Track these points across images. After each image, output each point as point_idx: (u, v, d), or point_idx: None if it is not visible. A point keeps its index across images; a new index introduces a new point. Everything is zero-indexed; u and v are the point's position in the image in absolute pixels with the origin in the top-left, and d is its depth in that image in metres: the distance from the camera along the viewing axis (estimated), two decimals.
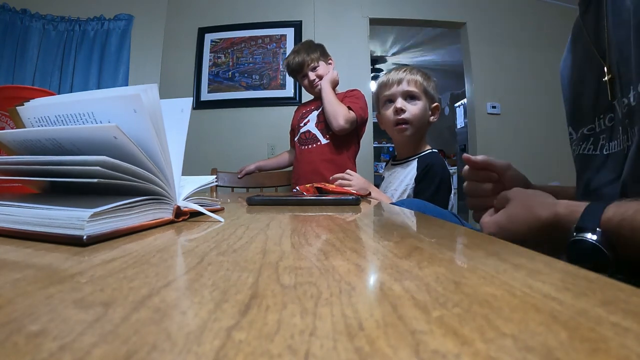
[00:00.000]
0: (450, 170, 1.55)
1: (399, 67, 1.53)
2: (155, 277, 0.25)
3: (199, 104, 3.61)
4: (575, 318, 0.17)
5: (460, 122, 5.79)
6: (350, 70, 3.31)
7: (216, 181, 0.72)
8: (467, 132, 4.06)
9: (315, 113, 2.18)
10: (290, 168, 2.44)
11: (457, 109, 5.96)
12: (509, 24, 3.72)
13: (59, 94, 3.38)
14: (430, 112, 1.51)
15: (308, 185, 1.21)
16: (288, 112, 3.25)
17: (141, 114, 0.46)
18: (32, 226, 0.39)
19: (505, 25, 3.72)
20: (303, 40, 3.35)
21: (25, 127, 0.57)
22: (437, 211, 1.04)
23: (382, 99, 1.54)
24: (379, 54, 5.92)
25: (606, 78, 0.70)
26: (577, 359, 0.13)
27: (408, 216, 0.70)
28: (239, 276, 0.25)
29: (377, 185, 1.56)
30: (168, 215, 0.53)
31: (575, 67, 0.82)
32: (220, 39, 3.64)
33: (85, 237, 0.35)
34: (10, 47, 3.51)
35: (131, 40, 3.62)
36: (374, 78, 5.22)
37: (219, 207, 0.71)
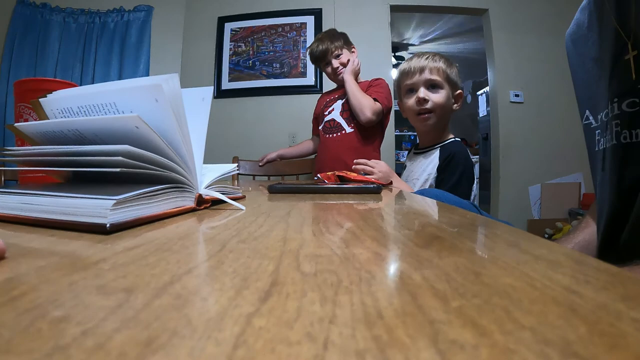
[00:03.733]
0: (473, 159, 1.52)
1: (421, 54, 1.49)
2: (176, 264, 0.25)
3: (220, 93, 3.62)
4: (595, 312, 0.17)
5: (482, 110, 5.71)
6: (371, 58, 3.28)
7: (238, 169, 0.72)
8: (489, 120, 4.01)
9: (340, 102, 2.18)
10: (312, 156, 2.44)
11: (480, 97, 5.88)
12: (532, 11, 3.63)
13: (80, 86, 3.43)
14: (453, 100, 1.48)
15: (330, 173, 1.20)
16: (309, 101, 3.25)
17: (162, 103, 0.46)
18: (56, 215, 0.39)
19: (528, 11, 3.63)
20: (323, 28, 3.35)
21: (48, 119, 0.58)
22: (458, 201, 1.02)
23: (404, 88, 1.51)
24: (400, 41, 5.85)
25: (630, 55, 0.64)
26: (595, 353, 0.13)
27: (429, 205, 0.69)
28: (259, 264, 0.25)
29: (399, 174, 1.54)
30: (190, 203, 0.53)
31: (593, 44, 0.75)
32: (240, 28, 3.63)
33: (108, 225, 0.36)
34: (32, 41, 3.57)
35: (151, 31, 3.64)
36: (395, 66, 5.17)
37: (240, 195, 0.71)
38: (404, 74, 1.50)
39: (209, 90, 0.62)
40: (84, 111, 0.53)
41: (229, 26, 3.65)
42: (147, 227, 0.40)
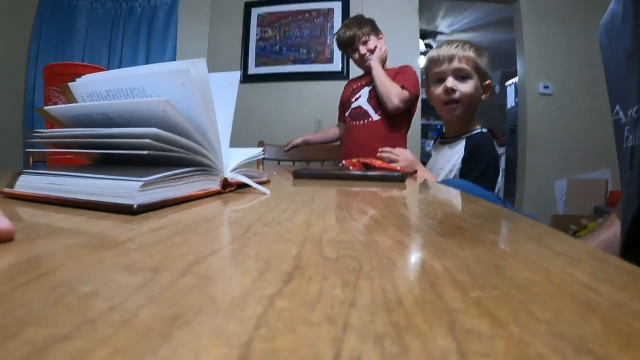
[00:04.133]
0: (499, 151, 1.50)
1: (451, 41, 1.46)
2: (201, 245, 0.25)
3: (247, 78, 3.63)
4: (612, 310, 0.17)
5: (510, 101, 5.60)
6: (398, 45, 3.22)
7: (263, 153, 0.73)
8: (517, 112, 3.93)
9: (367, 89, 2.16)
10: (338, 143, 2.43)
11: (508, 87, 5.77)
12: (564, 1, 3.54)
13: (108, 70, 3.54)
14: (481, 90, 1.45)
15: (354, 159, 1.20)
16: (335, 87, 3.23)
17: (190, 87, 0.47)
18: (84, 195, 0.40)
19: (560, 2, 3.53)
20: (351, 14, 3.32)
21: (76, 102, 0.59)
22: (482, 193, 1.01)
23: (432, 76, 1.48)
24: (428, 28, 5.77)
25: None
26: (610, 351, 0.13)
27: (452, 196, 0.69)
28: (282, 247, 0.25)
29: (424, 163, 1.53)
30: (215, 186, 0.54)
31: (627, 37, 0.73)
32: (267, 13, 3.63)
33: (135, 206, 0.36)
34: (59, 26, 3.64)
35: (178, 15, 3.66)
36: (423, 53, 5.10)
37: (265, 179, 0.71)
38: (432, 62, 1.47)
39: (236, 75, 0.63)
40: (112, 95, 0.54)
41: (255, 11, 3.65)
42: (173, 209, 0.41)
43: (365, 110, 2.12)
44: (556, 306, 0.17)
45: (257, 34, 3.63)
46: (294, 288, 0.18)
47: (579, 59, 3.44)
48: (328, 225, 0.33)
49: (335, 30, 3.32)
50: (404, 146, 2.09)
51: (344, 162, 1.22)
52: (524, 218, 0.41)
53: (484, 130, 1.45)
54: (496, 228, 0.37)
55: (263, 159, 2.46)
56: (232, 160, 0.62)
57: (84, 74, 0.60)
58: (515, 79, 4.66)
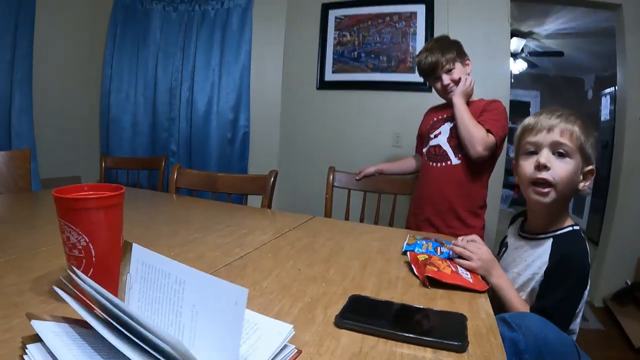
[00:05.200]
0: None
1: (553, 110, 1.26)
2: None
3: (323, 84, 3.64)
4: None
5: (605, 113, 5.18)
6: (487, 53, 3.05)
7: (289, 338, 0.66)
8: (613, 127, 3.60)
9: (449, 125, 2.04)
10: (413, 176, 2.33)
11: (603, 98, 5.35)
12: None
13: (181, 74, 3.98)
14: (581, 177, 1.24)
15: (421, 258, 1.11)
16: (417, 99, 3.16)
17: (240, 308, 0.50)
18: None
19: None
20: (435, 18, 3.18)
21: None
22: (559, 341, 0.94)
23: (524, 147, 1.29)
24: (519, 28, 5.41)
25: None
26: None
27: None
28: None
29: (497, 256, 1.38)
30: None
31: None
32: (345, 16, 3.56)
33: None
34: (133, 30, 3.81)
35: (253, 18, 3.69)
36: (513, 56, 4.78)
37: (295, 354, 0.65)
38: (526, 130, 1.28)
39: (244, 293, 0.54)
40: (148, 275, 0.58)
41: (333, 14, 3.60)
42: None
43: (444, 151, 2.03)
44: None
45: (334, 38, 3.61)
46: None
47: None
48: None
49: (419, 36, 3.23)
50: (485, 195, 2.00)
51: (408, 253, 1.14)
52: None
53: (576, 228, 1.25)
54: None
55: (333, 186, 2.40)
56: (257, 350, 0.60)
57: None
58: (612, 88, 4.27)
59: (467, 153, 1.90)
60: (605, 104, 5.18)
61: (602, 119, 5.27)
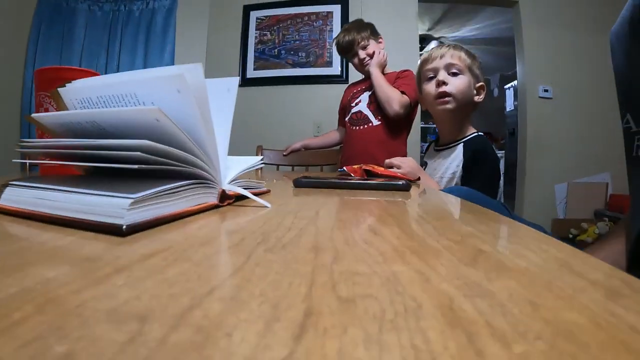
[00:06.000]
0: (498, 155, 1.46)
1: (442, 43, 1.47)
2: (197, 280, 0.22)
3: (245, 81, 3.63)
4: None
5: (509, 104, 5.61)
6: (398, 49, 3.20)
7: (262, 163, 0.70)
8: (516, 115, 3.95)
9: (367, 94, 2.16)
10: (338, 147, 2.41)
11: (507, 91, 5.78)
12: (563, 3, 3.55)
13: (105, 74, 3.50)
14: (475, 92, 1.42)
15: (356, 166, 1.17)
16: (335, 91, 3.22)
17: (185, 94, 0.44)
18: (72, 212, 0.37)
19: (559, 4, 3.55)
20: (350, 17, 3.31)
21: (67, 109, 0.56)
22: (488, 202, 0.99)
23: (424, 75, 1.47)
24: (426, 32, 5.76)
25: None
26: None
27: (463, 208, 0.66)
28: (289, 283, 0.22)
29: None
30: (213, 199, 0.51)
31: (638, 45, 0.72)
32: (266, 17, 3.62)
33: (124, 227, 0.33)
34: (57, 29, 3.64)
35: (176, 19, 3.65)
36: None
37: (264, 189, 0.69)
38: (424, 62, 1.47)
39: (235, 81, 0.59)
40: (104, 102, 0.51)
41: (254, 14, 3.64)
42: (167, 228, 0.37)
43: (365, 115, 2.12)
44: None
45: (255, 38, 3.62)
46: (308, 347, 0.15)
47: (579, 63, 3.46)
48: (338, 251, 0.30)
49: (335, 34, 3.33)
50: (405, 151, 2.08)
51: (345, 168, 1.19)
52: (542, 235, 0.39)
53: (480, 133, 1.42)
54: (519, 250, 0.34)
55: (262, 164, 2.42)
56: (230, 170, 0.59)
57: (77, 79, 0.57)
58: (514, 82, 4.66)
59: (386, 114, 2.01)
60: (509, 96, 5.57)
61: (507, 110, 5.66)
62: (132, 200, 0.35)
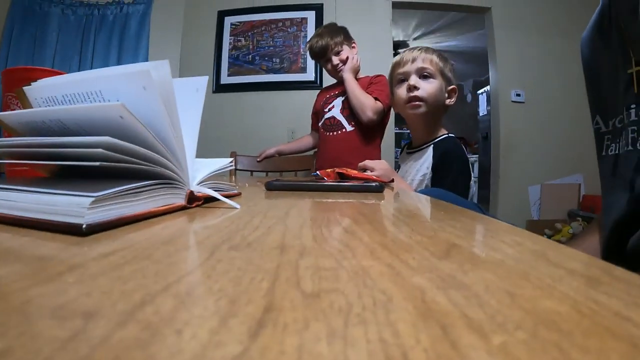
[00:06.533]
0: (472, 159, 1.47)
1: (415, 47, 1.44)
2: (154, 277, 0.21)
3: (219, 87, 3.60)
4: None
5: (482, 109, 5.71)
6: (372, 55, 3.23)
7: (232, 164, 0.69)
8: (489, 120, 4.01)
9: (340, 99, 2.15)
10: (312, 152, 2.40)
11: (480, 96, 5.88)
12: (535, 10, 3.62)
13: None
14: (446, 95, 1.42)
15: (329, 170, 1.16)
16: (309, 96, 3.21)
17: (151, 91, 0.43)
18: (32, 212, 0.36)
19: (531, 11, 3.62)
20: (324, 23, 3.30)
21: (32, 108, 0.54)
22: (460, 201, 0.98)
23: (396, 78, 1.46)
24: (401, 39, 5.81)
25: (632, 70, 0.64)
26: None
27: (435, 207, 0.66)
28: (251, 279, 0.21)
29: None
30: (180, 200, 0.49)
31: (607, 50, 0.74)
32: (241, 22, 3.60)
33: (84, 226, 0.32)
34: (30, 32, 3.57)
35: (150, 23, 3.60)
36: None
37: (235, 192, 0.67)
38: (396, 65, 1.46)
39: (204, 81, 0.58)
40: (69, 100, 0.49)
41: (229, 20, 3.62)
42: (130, 228, 0.36)
43: (338, 121, 2.11)
44: (598, 348, 0.14)
45: (230, 43, 3.60)
46: (265, 343, 0.13)
47: (550, 67, 3.53)
48: (305, 247, 0.29)
49: (309, 39, 3.33)
50: (379, 156, 2.08)
51: (318, 172, 1.18)
52: (516, 229, 0.38)
53: (451, 135, 1.43)
54: (493, 243, 0.34)
55: (235, 170, 2.41)
56: (199, 172, 0.58)
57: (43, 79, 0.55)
58: (487, 88, 4.74)
59: (359, 120, 2.00)
60: (482, 101, 5.66)
61: (481, 114, 5.74)
62: (92, 199, 0.33)
